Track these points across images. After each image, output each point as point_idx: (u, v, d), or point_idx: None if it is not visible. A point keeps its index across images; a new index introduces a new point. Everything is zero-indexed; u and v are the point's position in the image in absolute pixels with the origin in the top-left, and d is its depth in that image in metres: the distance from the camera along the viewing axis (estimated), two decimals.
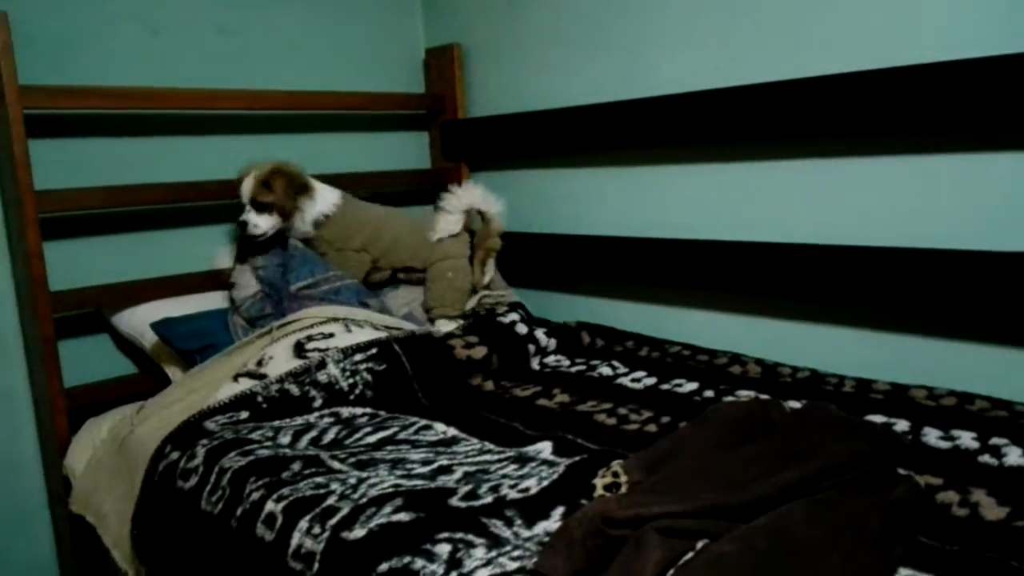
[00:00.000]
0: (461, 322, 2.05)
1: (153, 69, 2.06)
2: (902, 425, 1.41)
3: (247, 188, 1.99)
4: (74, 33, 1.94)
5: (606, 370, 1.87)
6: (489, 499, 1.18)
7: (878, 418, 1.44)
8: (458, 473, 1.29)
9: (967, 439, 1.33)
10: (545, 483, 1.23)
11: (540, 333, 2.03)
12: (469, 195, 2.19)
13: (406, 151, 2.64)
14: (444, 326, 2.05)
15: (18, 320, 1.91)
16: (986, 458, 1.26)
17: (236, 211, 2.18)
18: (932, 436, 1.36)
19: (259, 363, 1.73)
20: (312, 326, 1.83)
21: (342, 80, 2.43)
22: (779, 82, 1.77)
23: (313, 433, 1.51)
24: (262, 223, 2.00)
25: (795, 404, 1.50)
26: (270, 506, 1.23)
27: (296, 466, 1.33)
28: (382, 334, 1.85)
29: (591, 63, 2.21)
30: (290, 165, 2.05)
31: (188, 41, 2.13)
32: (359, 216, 2.15)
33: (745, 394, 1.61)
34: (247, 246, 2.06)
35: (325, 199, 2.10)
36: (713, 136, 1.93)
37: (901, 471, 1.15)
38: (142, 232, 2.09)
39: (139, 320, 1.96)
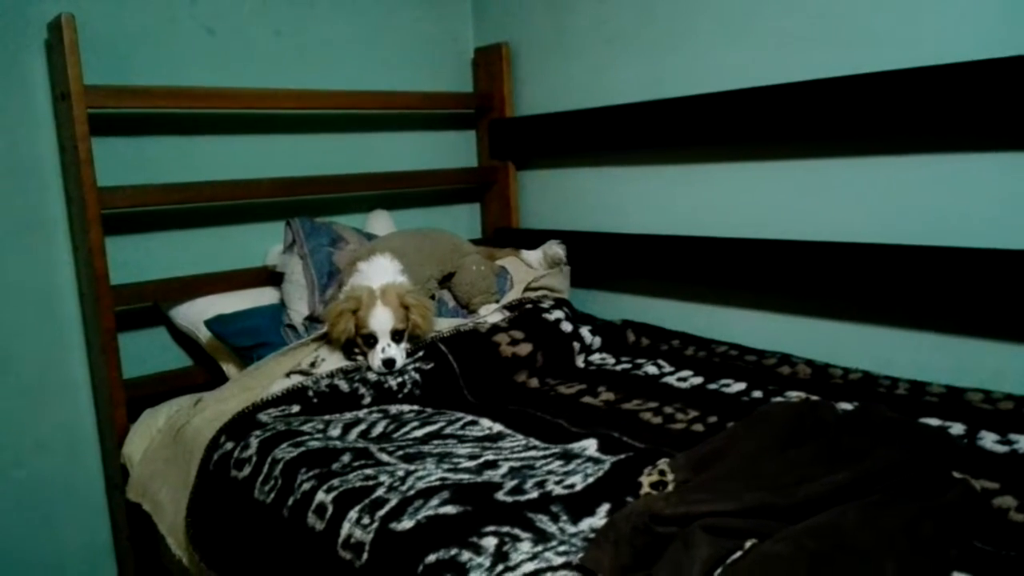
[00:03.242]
0: (504, 308, 2.05)
1: (209, 69, 2.11)
2: (957, 428, 1.38)
3: (385, 322, 1.75)
4: (133, 33, 1.99)
5: (652, 369, 1.86)
6: (535, 494, 1.19)
7: (933, 421, 1.42)
8: (504, 468, 1.30)
9: None
10: (591, 480, 1.24)
11: (585, 331, 2.03)
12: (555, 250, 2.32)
13: (453, 149, 2.66)
14: (487, 310, 2.06)
15: (79, 313, 1.97)
16: None
17: (288, 209, 2.23)
18: (989, 440, 1.33)
19: (312, 364, 1.77)
20: None
21: (393, 80, 2.46)
22: (834, 78, 1.75)
23: (362, 426, 1.53)
24: (404, 351, 1.79)
25: (846, 406, 1.48)
26: (321, 496, 1.25)
27: (346, 458, 1.35)
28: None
29: (639, 61, 2.20)
30: (403, 283, 1.85)
31: (244, 42, 2.18)
32: (415, 272, 1.97)
33: (795, 395, 1.59)
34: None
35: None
36: (764, 134, 1.91)
37: (956, 475, 1.13)
38: (198, 228, 2.14)
39: (195, 314, 2.01)
